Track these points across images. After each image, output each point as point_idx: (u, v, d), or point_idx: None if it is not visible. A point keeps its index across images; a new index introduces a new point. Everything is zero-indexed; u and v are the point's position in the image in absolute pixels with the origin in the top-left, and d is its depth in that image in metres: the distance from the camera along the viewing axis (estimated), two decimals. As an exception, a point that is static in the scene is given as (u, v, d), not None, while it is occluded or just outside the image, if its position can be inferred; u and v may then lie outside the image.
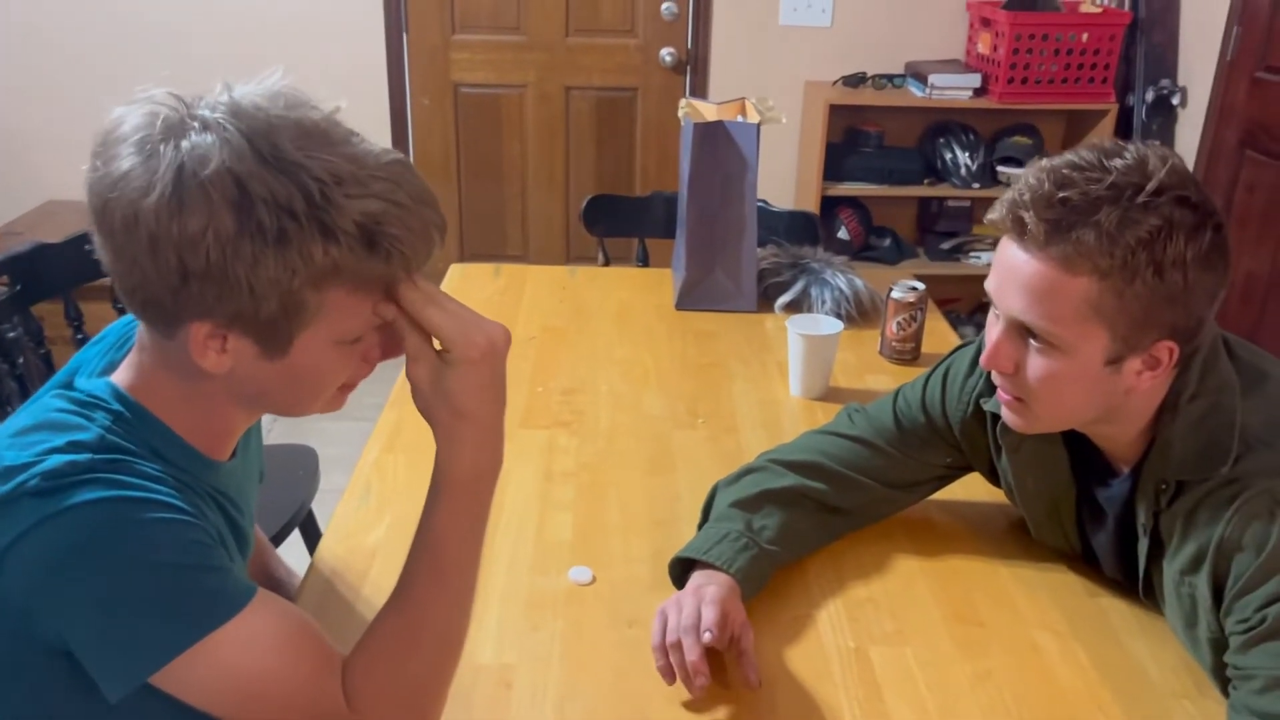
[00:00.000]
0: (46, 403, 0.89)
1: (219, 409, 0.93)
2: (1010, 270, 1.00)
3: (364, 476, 1.43)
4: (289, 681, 0.87)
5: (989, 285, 1.04)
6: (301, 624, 0.90)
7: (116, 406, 0.88)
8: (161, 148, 0.79)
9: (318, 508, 2.01)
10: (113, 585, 0.80)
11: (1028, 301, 0.99)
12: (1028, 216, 0.96)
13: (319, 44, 3.50)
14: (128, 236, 0.80)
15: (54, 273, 1.81)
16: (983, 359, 1.07)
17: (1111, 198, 0.94)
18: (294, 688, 0.87)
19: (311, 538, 2.02)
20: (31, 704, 0.89)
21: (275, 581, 1.37)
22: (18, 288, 1.77)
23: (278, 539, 1.80)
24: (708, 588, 1.09)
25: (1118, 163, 0.95)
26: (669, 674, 1.04)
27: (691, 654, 1.03)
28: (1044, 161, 0.98)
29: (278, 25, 3.47)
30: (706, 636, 1.03)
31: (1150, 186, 0.94)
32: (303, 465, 2.03)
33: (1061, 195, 0.95)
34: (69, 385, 0.92)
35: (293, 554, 1.51)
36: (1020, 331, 1.02)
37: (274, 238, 0.79)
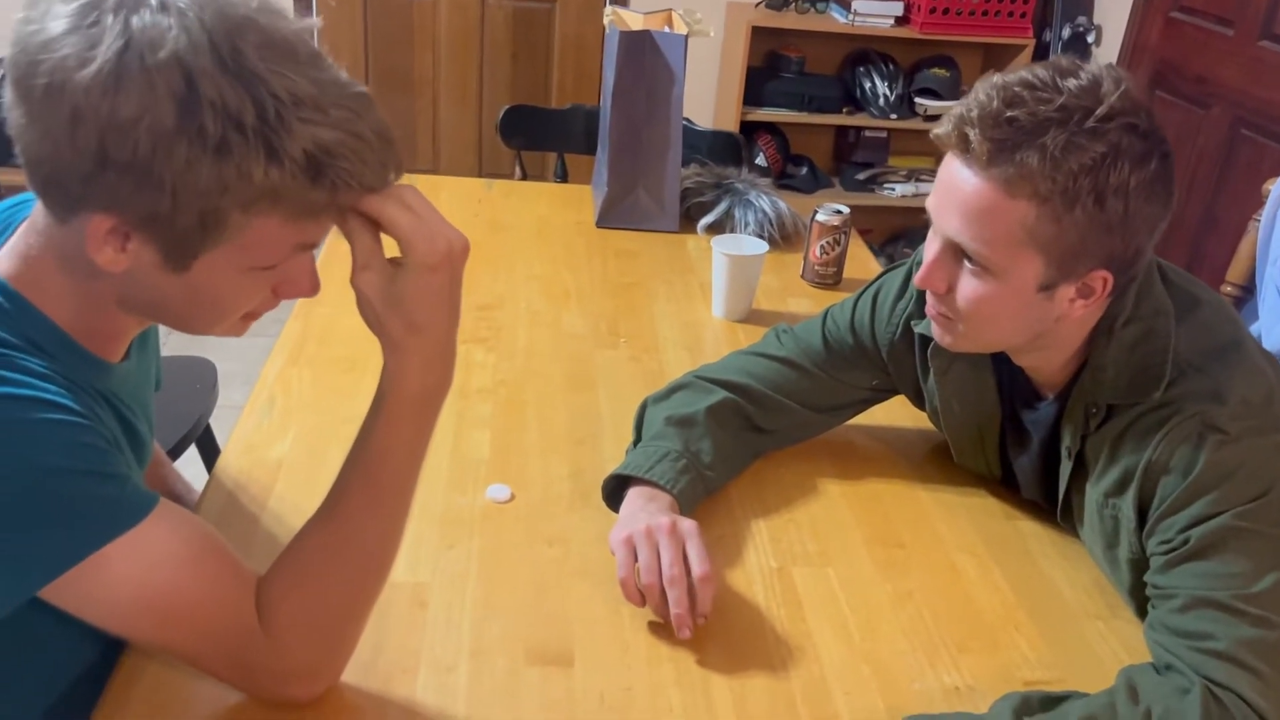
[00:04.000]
0: None
1: (108, 310, 0.84)
2: (950, 189, 0.97)
3: (267, 389, 1.36)
4: (196, 598, 0.80)
5: (929, 203, 1.01)
6: (208, 537, 0.83)
7: None
8: (108, 18, 0.70)
9: (215, 424, 1.92)
10: (6, 490, 0.72)
11: (964, 222, 0.97)
12: (973, 134, 0.93)
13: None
14: (47, 105, 0.71)
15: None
16: (917, 277, 1.05)
17: (1060, 120, 0.91)
18: (202, 606, 0.81)
19: (209, 453, 1.94)
20: None
21: (173, 496, 1.29)
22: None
23: (173, 454, 1.71)
24: (662, 516, 1.05)
25: (1071, 83, 0.92)
26: (638, 601, 1.01)
27: (679, 607, 0.99)
28: (996, 78, 0.95)
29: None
30: (701, 621, 1.00)
31: (1100, 111, 0.91)
32: (200, 378, 1.93)
33: (1009, 114, 0.92)
34: None
35: (189, 471, 1.43)
36: (956, 251, 1.00)
37: (214, 146, 0.71)
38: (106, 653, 0.92)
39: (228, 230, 0.76)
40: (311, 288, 0.86)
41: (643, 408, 1.25)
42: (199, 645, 0.82)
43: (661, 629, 1.02)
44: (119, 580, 0.77)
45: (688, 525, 1.03)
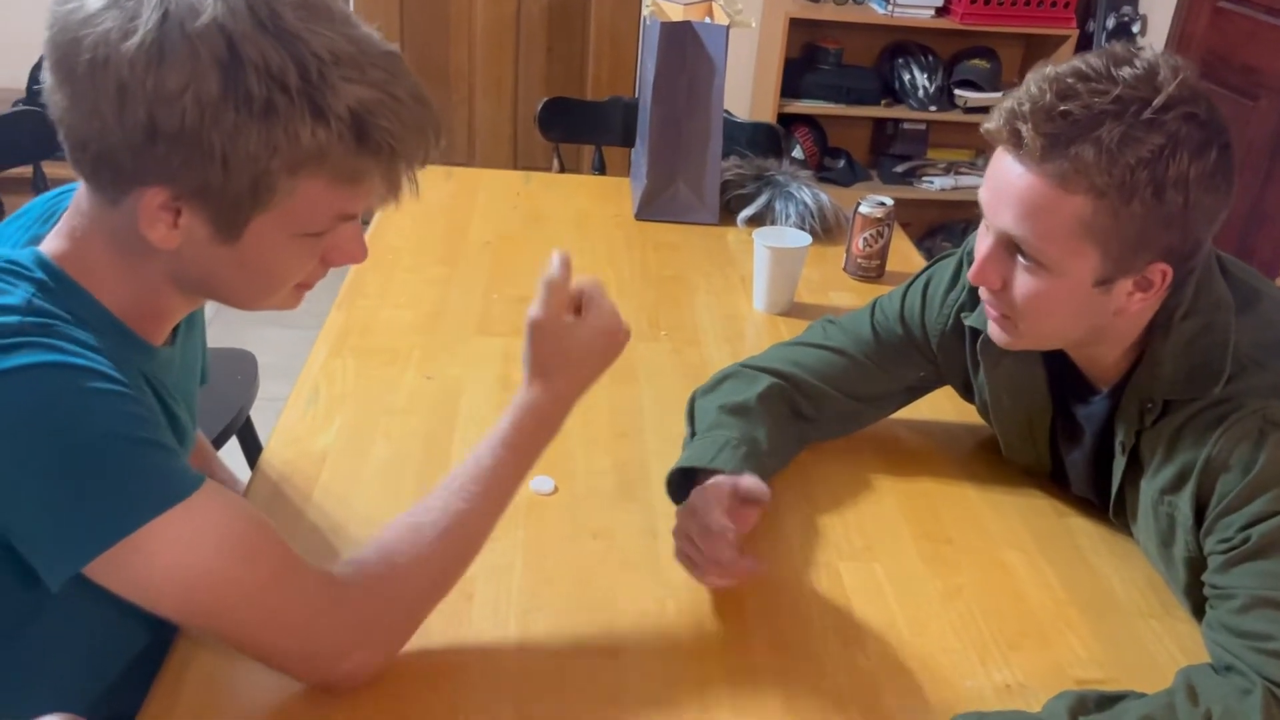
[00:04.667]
0: None
1: (157, 289, 0.85)
2: (1003, 183, 0.95)
3: (311, 380, 1.36)
4: (244, 579, 0.80)
5: (981, 196, 0.99)
6: (255, 519, 0.83)
7: (40, 275, 0.80)
8: None
9: (254, 416, 1.93)
10: (57, 458, 0.73)
11: (1018, 217, 0.95)
12: (1025, 129, 0.91)
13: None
14: (92, 82, 0.72)
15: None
16: (970, 273, 1.03)
17: (1116, 112, 0.89)
18: (250, 587, 0.81)
19: (249, 445, 1.95)
20: None
21: (217, 486, 1.30)
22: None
23: (215, 445, 1.72)
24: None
25: (1126, 72, 0.90)
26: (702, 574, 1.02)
27: (721, 582, 1.01)
28: (1048, 69, 0.92)
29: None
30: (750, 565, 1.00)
31: (1158, 101, 0.89)
32: (241, 370, 1.94)
33: (1063, 108, 0.89)
34: None
35: (230, 462, 1.44)
36: (1010, 246, 0.98)
37: (260, 109, 0.72)
38: (157, 639, 0.93)
39: (276, 195, 0.77)
40: (361, 253, 0.87)
41: (692, 401, 1.24)
42: (246, 627, 0.82)
43: (713, 621, 1.01)
44: (168, 557, 0.77)
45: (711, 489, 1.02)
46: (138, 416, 0.77)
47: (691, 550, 1.01)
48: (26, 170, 1.85)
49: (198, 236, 0.79)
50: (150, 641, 0.93)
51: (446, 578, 0.93)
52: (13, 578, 0.78)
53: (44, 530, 0.75)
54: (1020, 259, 0.98)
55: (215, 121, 0.72)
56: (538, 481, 1.19)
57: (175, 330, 0.95)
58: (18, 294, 0.78)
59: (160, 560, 0.77)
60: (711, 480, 1.04)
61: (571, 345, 0.96)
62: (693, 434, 1.20)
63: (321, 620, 0.84)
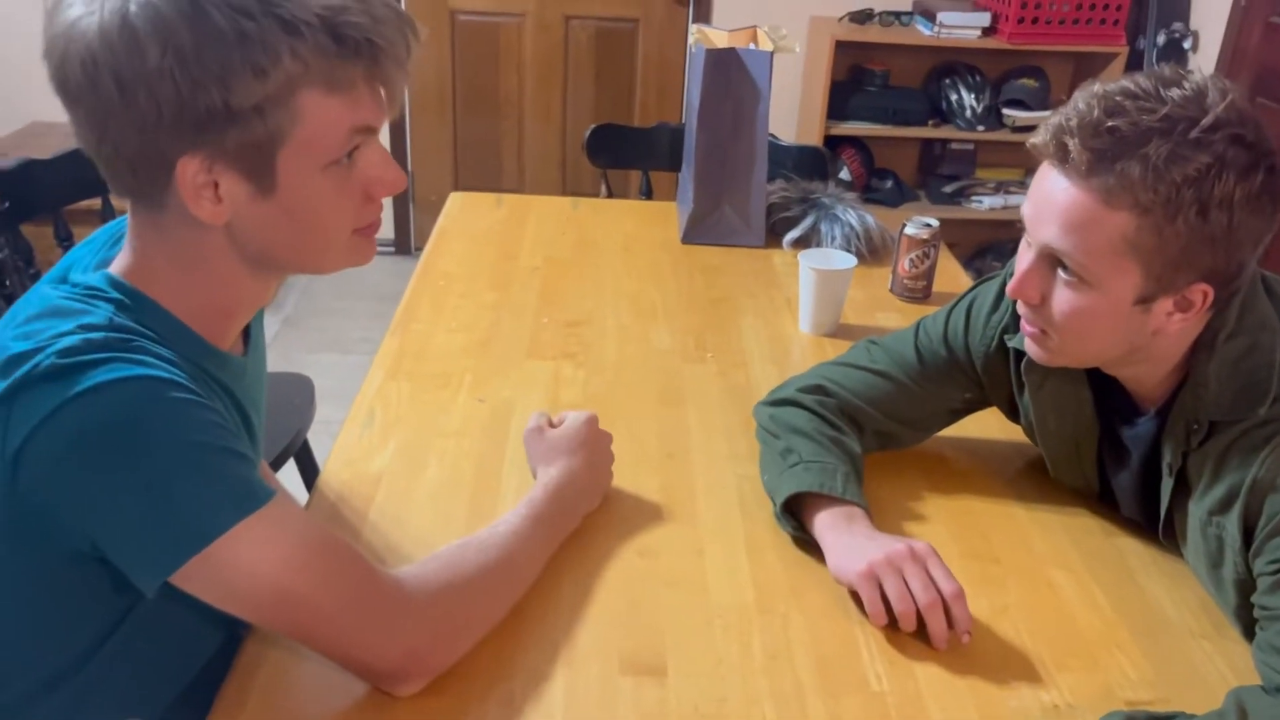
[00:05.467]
0: (45, 293, 0.85)
1: (223, 279, 0.88)
2: (1047, 198, 0.97)
3: (367, 403, 1.40)
4: (316, 582, 0.85)
5: (1024, 210, 1.01)
6: (324, 528, 0.89)
7: (116, 295, 0.85)
8: None
9: (311, 439, 1.98)
10: (145, 467, 0.77)
11: (1062, 231, 0.96)
12: (1072, 144, 0.92)
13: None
14: (92, 87, 0.77)
15: (44, 190, 1.76)
16: (1009, 287, 1.04)
17: (1163, 130, 0.90)
18: (321, 590, 0.85)
19: (307, 468, 2.00)
20: (46, 616, 0.87)
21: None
22: (6, 205, 1.72)
23: (273, 467, 1.77)
24: (892, 542, 1.05)
25: (1175, 93, 0.91)
26: (885, 621, 1.03)
27: (940, 629, 1.01)
28: (1096, 87, 0.94)
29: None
30: (965, 639, 1.01)
31: (1206, 121, 0.89)
32: (298, 394, 1.99)
33: (1110, 124, 0.91)
34: (64, 280, 0.88)
35: (287, 486, 1.48)
36: (1051, 262, 0.99)
37: (235, 39, 0.76)
38: (230, 639, 0.97)
39: (284, 121, 0.80)
40: (396, 177, 0.89)
41: (765, 418, 1.26)
42: (320, 626, 0.86)
43: (758, 640, 1.02)
44: (249, 561, 0.81)
45: (922, 546, 1.04)
46: (218, 425, 0.82)
47: (901, 588, 1.01)
48: (95, 202, 1.93)
49: (240, 199, 0.83)
50: (223, 643, 0.97)
51: (504, 591, 0.99)
52: (105, 584, 0.83)
53: (136, 538, 0.79)
54: (1061, 274, 0.98)
55: (202, 70, 0.76)
56: (586, 501, 1.21)
57: (246, 342, 0.99)
58: (100, 312, 0.82)
59: (242, 564, 0.81)
60: (920, 547, 1.04)
61: (555, 440, 1.18)
62: (784, 452, 1.19)
63: (388, 620, 0.88)
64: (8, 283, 1.76)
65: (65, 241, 1.84)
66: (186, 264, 0.87)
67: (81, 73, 0.77)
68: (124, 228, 0.93)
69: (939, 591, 1.01)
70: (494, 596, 0.99)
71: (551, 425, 1.22)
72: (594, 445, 1.19)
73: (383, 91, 0.85)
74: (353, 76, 0.82)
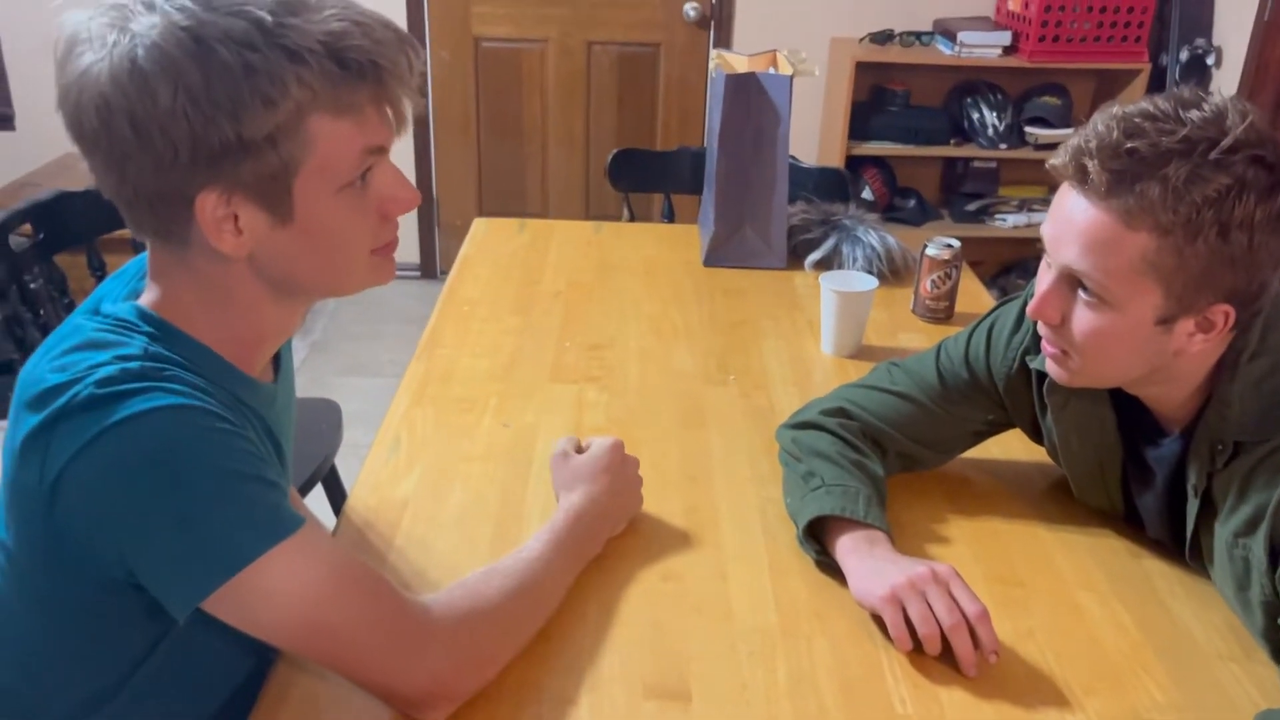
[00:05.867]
0: (79, 324, 0.87)
1: (249, 309, 0.90)
2: (1067, 218, 0.97)
3: (393, 429, 1.42)
4: (346, 607, 0.86)
5: (1044, 231, 1.01)
6: (352, 555, 0.90)
7: (146, 327, 0.87)
8: (111, 35, 0.78)
9: (339, 463, 2.00)
10: (178, 496, 0.79)
11: (1082, 252, 0.96)
12: (1091, 165, 0.93)
13: (338, -5, 3.44)
14: (107, 131, 0.79)
15: (76, 221, 1.79)
16: (1030, 308, 1.04)
17: (1183, 151, 0.90)
18: (351, 613, 0.86)
19: (334, 492, 2.02)
20: (83, 641, 0.89)
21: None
22: (40, 236, 1.75)
23: (301, 492, 1.79)
24: (914, 565, 1.05)
25: (1194, 115, 0.91)
26: (909, 648, 1.03)
27: (965, 651, 1.00)
28: (1115, 109, 0.94)
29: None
30: (993, 660, 1.01)
31: (1225, 143, 0.90)
32: (326, 419, 2.01)
33: (1129, 145, 0.91)
34: (96, 312, 0.90)
35: (315, 510, 1.49)
36: (1071, 282, 1.00)
37: (242, 73, 0.78)
38: (260, 664, 0.99)
39: (296, 149, 0.82)
40: (409, 195, 0.91)
41: (788, 440, 1.26)
42: (347, 652, 0.88)
43: (781, 663, 1.03)
44: (279, 589, 0.83)
45: (944, 569, 1.04)
46: (250, 454, 0.83)
47: (924, 611, 1.01)
48: (127, 232, 1.96)
49: (260, 229, 0.85)
50: (254, 668, 0.99)
51: (528, 617, 1.00)
52: (139, 611, 0.84)
53: (168, 565, 0.81)
54: (1081, 294, 0.99)
55: (214, 105, 0.78)
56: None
57: (276, 369, 1.01)
58: (136, 343, 0.84)
59: (271, 591, 0.82)
60: (942, 570, 1.04)
61: (578, 466, 1.19)
62: (806, 475, 1.19)
63: (415, 647, 0.89)
64: (42, 312, 1.80)
65: (98, 271, 1.88)
66: (213, 296, 0.89)
67: (96, 118, 0.79)
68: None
69: (963, 613, 1.01)
70: (518, 622, 1.00)
71: (579, 451, 1.22)
72: (618, 471, 1.20)
73: (390, 112, 0.87)
74: (359, 99, 0.83)
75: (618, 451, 1.21)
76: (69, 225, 1.79)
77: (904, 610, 1.02)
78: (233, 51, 0.78)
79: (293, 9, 0.80)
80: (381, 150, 0.88)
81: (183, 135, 0.78)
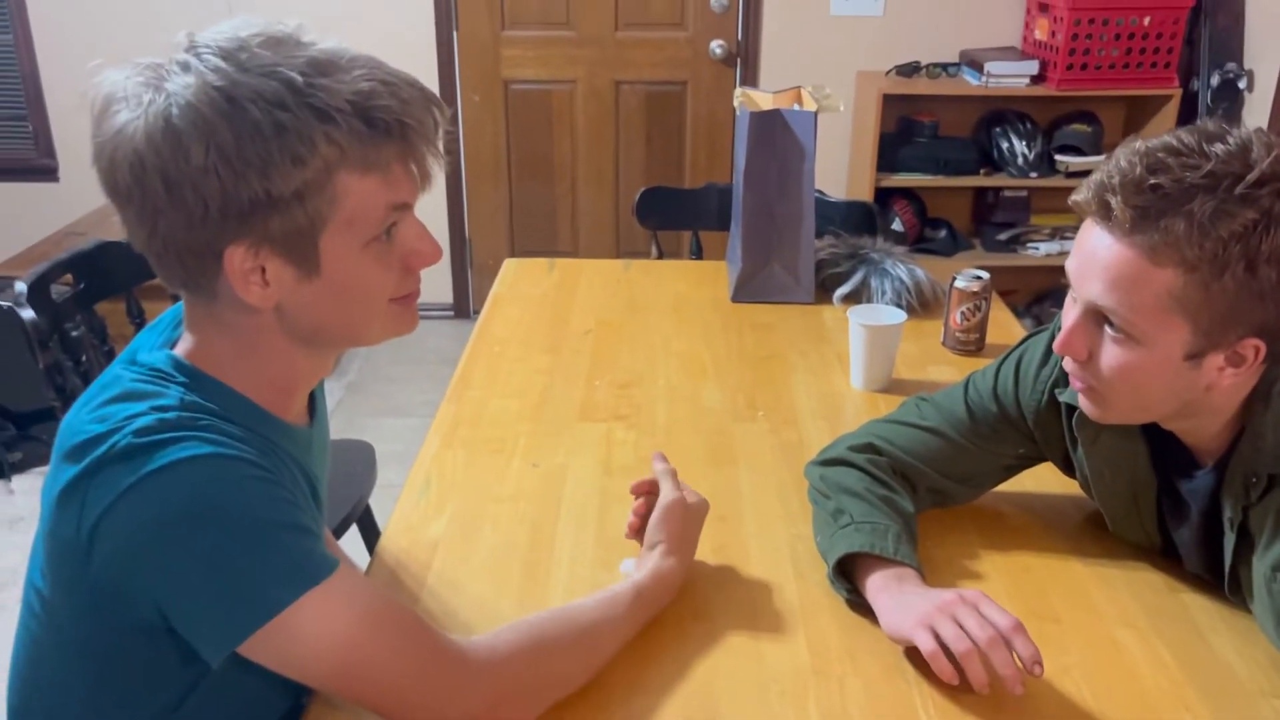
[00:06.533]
0: (118, 374, 0.90)
1: (279, 357, 0.92)
2: (1091, 254, 0.96)
3: (424, 470, 1.43)
4: (380, 649, 0.87)
5: (1069, 266, 1.00)
6: (388, 597, 0.91)
7: (181, 377, 0.89)
8: (146, 95, 0.80)
9: (374, 503, 2.02)
10: (217, 542, 0.81)
11: (1107, 288, 0.95)
12: (1114, 201, 0.92)
13: (369, 41, 3.48)
14: (140, 187, 0.81)
15: (116, 270, 1.83)
16: (1056, 344, 1.03)
17: (1208, 186, 0.89)
18: (386, 655, 0.87)
19: (369, 532, 2.03)
20: (120, 687, 0.90)
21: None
22: (81, 285, 1.80)
23: (336, 534, 1.81)
24: (941, 592, 1.04)
25: (1219, 148, 0.90)
26: (953, 676, 1.00)
27: (1006, 667, 0.97)
28: (1138, 144, 0.94)
29: (327, 23, 3.48)
30: (1038, 671, 0.97)
31: (1251, 177, 0.89)
32: (360, 460, 2.03)
33: (1153, 181, 0.91)
34: (133, 362, 0.92)
35: (351, 550, 1.51)
36: (1097, 318, 0.99)
37: (272, 132, 0.80)
38: (296, 706, 1.00)
39: (324, 206, 0.84)
40: (433, 249, 0.93)
41: (817, 478, 1.25)
42: (384, 693, 0.88)
43: (811, 706, 1.02)
44: (313, 633, 0.84)
45: (971, 593, 1.03)
46: (284, 501, 0.85)
47: (957, 631, 0.99)
48: (166, 280, 2.00)
49: (287, 282, 0.87)
50: (289, 709, 1.00)
51: (579, 666, 1.00)
52: (175, 656, 0.86)
53: (203, 611, 0.83)
54: (1108, 330, 0.98)
55: (245, 164, 0.80)
56: (627, 564, 1.21)
57: (312, 412, 1.03)
58: (172, 394, 0.86)
59: (307, 635, 0.83)
60: (970, 594, 1.03)
61: (690, 528, 1.17)
62: (835, 513, 1.18)
63: (450, 686, 0.90)
64: (83, 359, 1.84)
65: (137, 318, 1.91)
66: (243, 345, 0.91)
67: (130, 175, 0.81)
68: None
69: (996, 630, 0.98)
70: (568, 670, 1.00)
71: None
72: (698, 538, 1.20)
73: (415, 169, 0.89)
74: (386, 157, 0.85)
75: (704, 512, 1.21)
76: (109, 274, 1.83)
77: (937, 636, 1.00)
78: (264, 111, 0.80)
79: (323, 69, 0.82)
80: (406, 206, 0.90)
81: (213, 191, 0.81)
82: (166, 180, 0.80)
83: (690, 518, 1.17)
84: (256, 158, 0.80)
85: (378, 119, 0.83)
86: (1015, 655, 0.98)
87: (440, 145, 0.89)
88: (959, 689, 1.01)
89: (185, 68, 0.81)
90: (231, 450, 0.83)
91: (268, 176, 0.81)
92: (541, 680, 0.97)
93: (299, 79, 0.81)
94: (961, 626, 0.99)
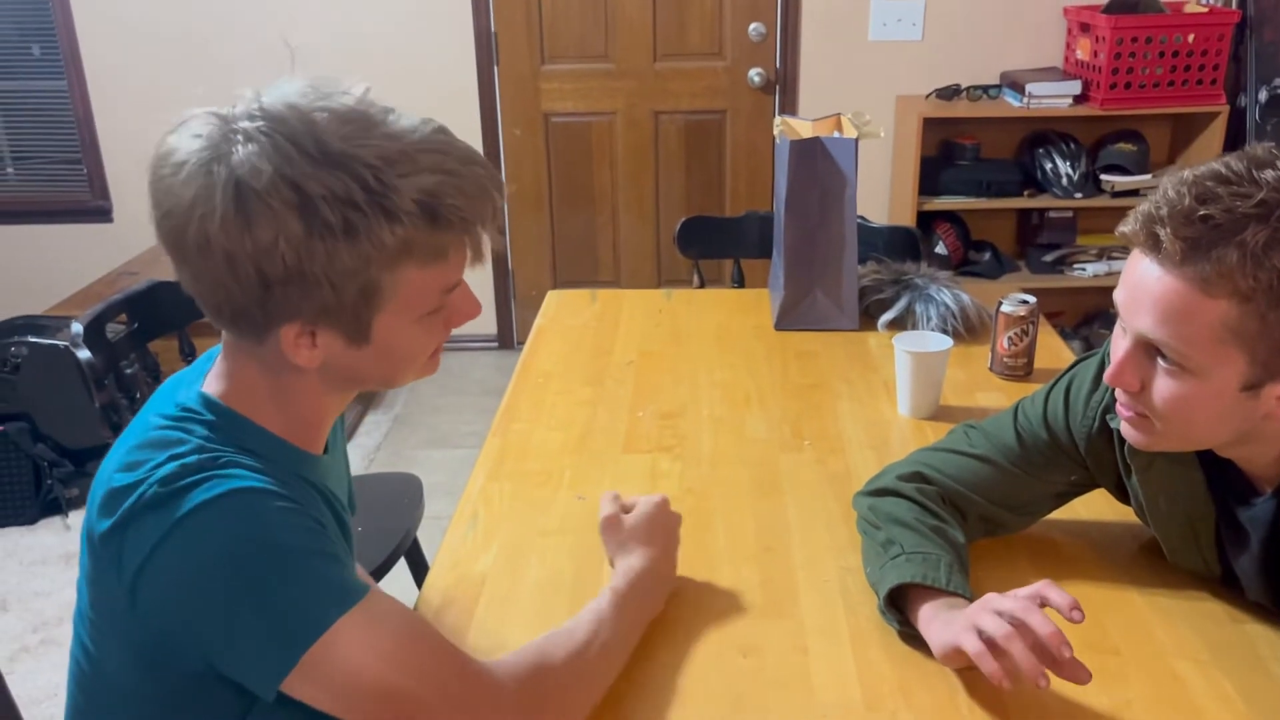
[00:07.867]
0: (146, 420, 0.92)
1: (311, 398, 0.95)
2: (1140, 285, 0.95)
3: (470, 504, 1.43)
4: (417, 671, 0.87)
5: (1117, 297, 0.99)
6: (420, 619, 0.92)
7: (209, 416, 0.91)
8: (214, 168, 0.81)
9: (422, 535, 2.03)
10: (252, 580, 0.82)
11: (1158, 320, 0.94)
12: (1163, 233, 0.91)
13: (412, 77, 3.58)
14: (205, 260, 0.83)
15: (170, 309, 1.87)
16: (1107, 375, 1.02)
17: (1260, 215, 0.87)
18: (422, 678, 0.87)
19: (417, 566, 2.04)
20: None
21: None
22: (135, 325, 1.84)
23: (384, 567, 1.82)
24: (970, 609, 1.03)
25: (1269, 175, 0.89)
26: (1001, 677, 0.97)
27: (1046, 627, 0.94)
28: (1185, 173, 0.92)
29: (370, 59, 3.56)
30: (1077, 616, 0.94)
31: None
32: (407, 493, 2.04)
33: (1203, 212, 0.89)
34: (162, 407, 0.94)
35: (400, 583, 1.52)
36: (1149, 349, 0.97)
37: (342, 231, 0.82)
38: None
39: (383, 294, 0.86)
40: (475, 309, 0.97)
41: (866, 508, 1.24)
42: (418, 716, 0.88)
43: (861, 742, 1.00)
44: (349, 658, 0.84)
45: (996, 595, 1.01)
46: (310, 529, 0.86)
47: (996, 620, 0.97)
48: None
49: (335, 349, 0.89)
50: None
51: (592, 678, 1.01)
52: (223, 700, 0.87)
53: (247, 648, 0.84)
54: (1161, 362, 0.96)
55: (310, 256, 0.82)
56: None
57: (329, 436, 1.05)
58: (191, 440, 0.88)
59: (344, 661, 0.84)
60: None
61: (633, 528, 1.19)
62: (886, 543, 1.17)
63: (482, 707, 0.90)
64: (137, 396, 1.87)
65: (189, 355, 1.95)
66: (278, 389, 0.93)
67: (196, 251, 0.83)
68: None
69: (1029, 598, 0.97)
70: (583, 682, 1.00)
71: (624, 509, 1.23)
72: (669, 531, 1.22)
73: (470, 250, 0.91)
74: (447, 247, 0.88)
75: (665, 509, 1.22)
76: (162, 313, 1.87)
77: (979, 635, 0.98)
78: (335, 212, 0.81)
79: (391, 160, 0.83)
80: (459, 284, 0.93)
81: (277, 274, 0.83)
82: (231, 261, 0.82)
83: (631, 522, 1.19)
84: (323, 252, 0.82)
85: (442, 216, 0.85)
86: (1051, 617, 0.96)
87: (497, 225, 0.92)
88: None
89: (249, 138, 0.82)
90: (255, 482, 0.85)
91: (332, 268, 0.83)
92: (561, 698, 0.98)
93: (370, 178, 0.82)
94: (999, 615, 0.98)
